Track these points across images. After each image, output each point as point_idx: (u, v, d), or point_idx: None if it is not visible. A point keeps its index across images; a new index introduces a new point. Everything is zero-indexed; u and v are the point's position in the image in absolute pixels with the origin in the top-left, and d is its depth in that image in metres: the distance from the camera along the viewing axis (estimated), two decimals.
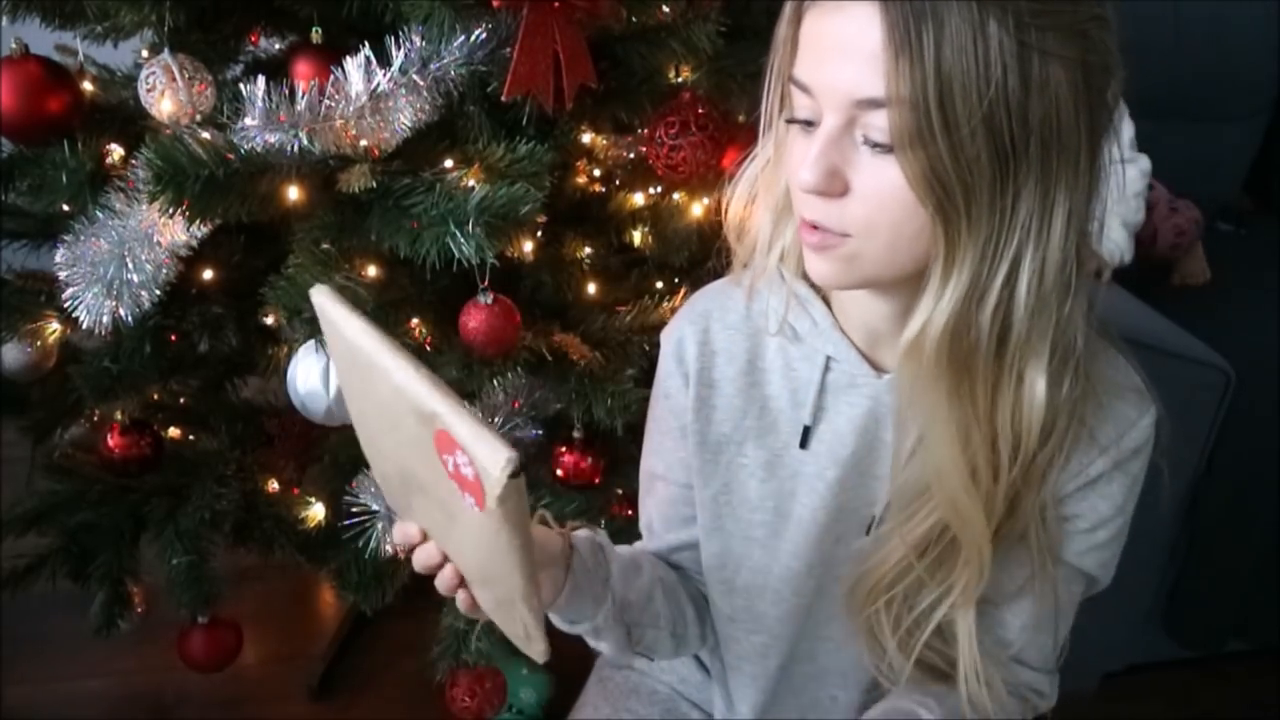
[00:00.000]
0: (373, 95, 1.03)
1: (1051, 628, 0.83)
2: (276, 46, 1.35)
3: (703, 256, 1.27)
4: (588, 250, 1.31)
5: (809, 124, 0.68)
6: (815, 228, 0.69)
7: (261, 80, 1.01)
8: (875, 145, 0.65)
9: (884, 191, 0.66)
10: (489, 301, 1.11)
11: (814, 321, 0.81)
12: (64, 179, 1.18)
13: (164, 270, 1.10)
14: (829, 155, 0.66)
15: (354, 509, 1.15)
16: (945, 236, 0.66)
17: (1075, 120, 0.65)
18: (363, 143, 1.05)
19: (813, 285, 0.79)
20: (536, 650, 0.69)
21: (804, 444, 0.83)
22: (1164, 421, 0.79)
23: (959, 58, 0.61)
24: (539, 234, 1.18)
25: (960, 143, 0.62)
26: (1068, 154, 0.65)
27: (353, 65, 1.03)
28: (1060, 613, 0.82)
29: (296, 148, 1.02)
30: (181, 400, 1.45)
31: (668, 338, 0.88)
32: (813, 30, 0.66)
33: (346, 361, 0.68)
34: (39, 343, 1.28)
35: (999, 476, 0.74)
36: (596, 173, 1.34)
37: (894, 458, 0.79)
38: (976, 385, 0.71)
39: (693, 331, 0.86)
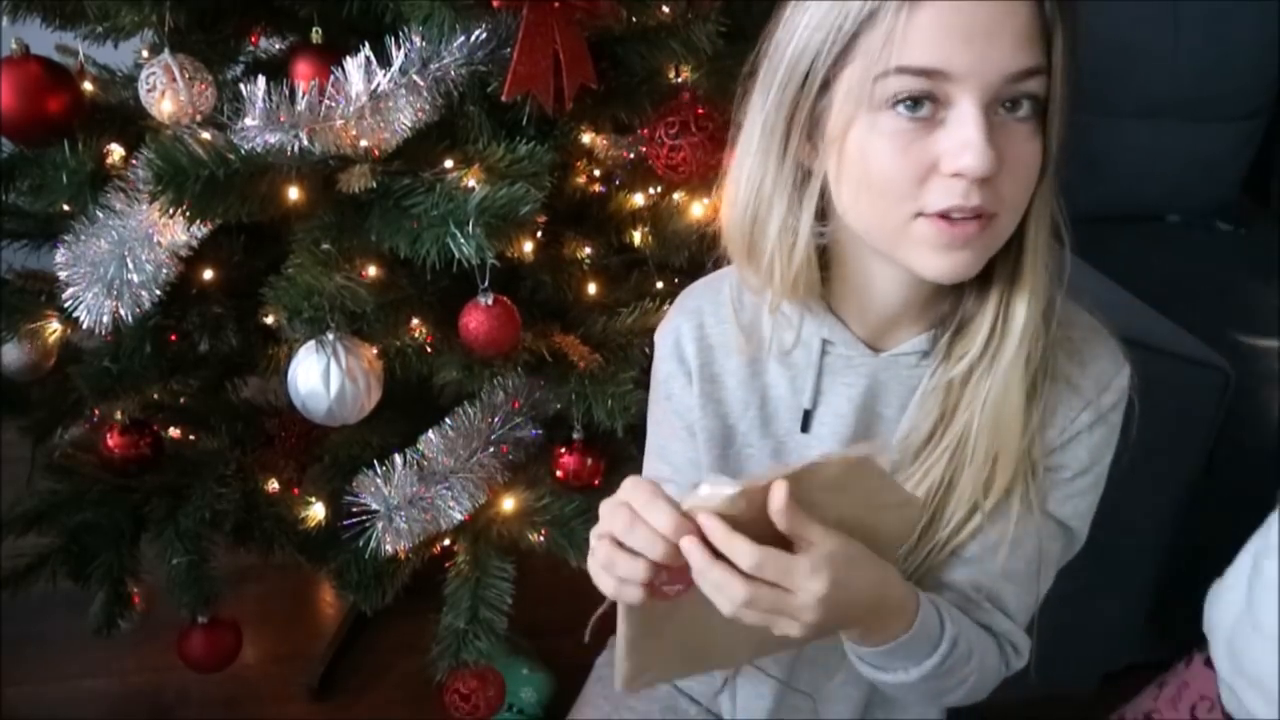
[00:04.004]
0: (373, 95, 1.03)
1: (1032, 584, 0.82)
2: (276, 46, 1.35)
3: (703, 257, 1.27)
4: (588, 251, 1.31)
5: (920, 116, 0.66)
6: (951, 220, 0.67)
7: (262, 80, 1.01)
8: (1020, 117, 0.66)
9: (1027, 163, 0.67)
10: (489, 302, 1.11)
11: (808, 306, 0.81)
12: (64, 179, 1.18)
13: (164, 270, 1.10)
14: (993, 137, 0.65)
15: (354, 509, 1.15)
16: (1034, 198, 0.70)
17: None
18: (363, 143, 1.05)
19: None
20: None
21: (805, 428, 0.83)
22: (1134, 374, 0.82)
23: (1078, 20, 0.65)
24: (539, 234, 1.18)
25: (1069, 100, 0.66)
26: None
27: (353, 65, 1.03)
28: (1042, 568, 0.81)
29: (296, 148, 1.02)
30: (181, 400, 1.45)
31: (663, 338, 0.88)
32: (946, 11, 0.64)
33: None
34: (39, 343, 1.27)
35: None
36: (596, 173, 1.34)
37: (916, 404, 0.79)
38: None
39: (689, 329, 0.86)
